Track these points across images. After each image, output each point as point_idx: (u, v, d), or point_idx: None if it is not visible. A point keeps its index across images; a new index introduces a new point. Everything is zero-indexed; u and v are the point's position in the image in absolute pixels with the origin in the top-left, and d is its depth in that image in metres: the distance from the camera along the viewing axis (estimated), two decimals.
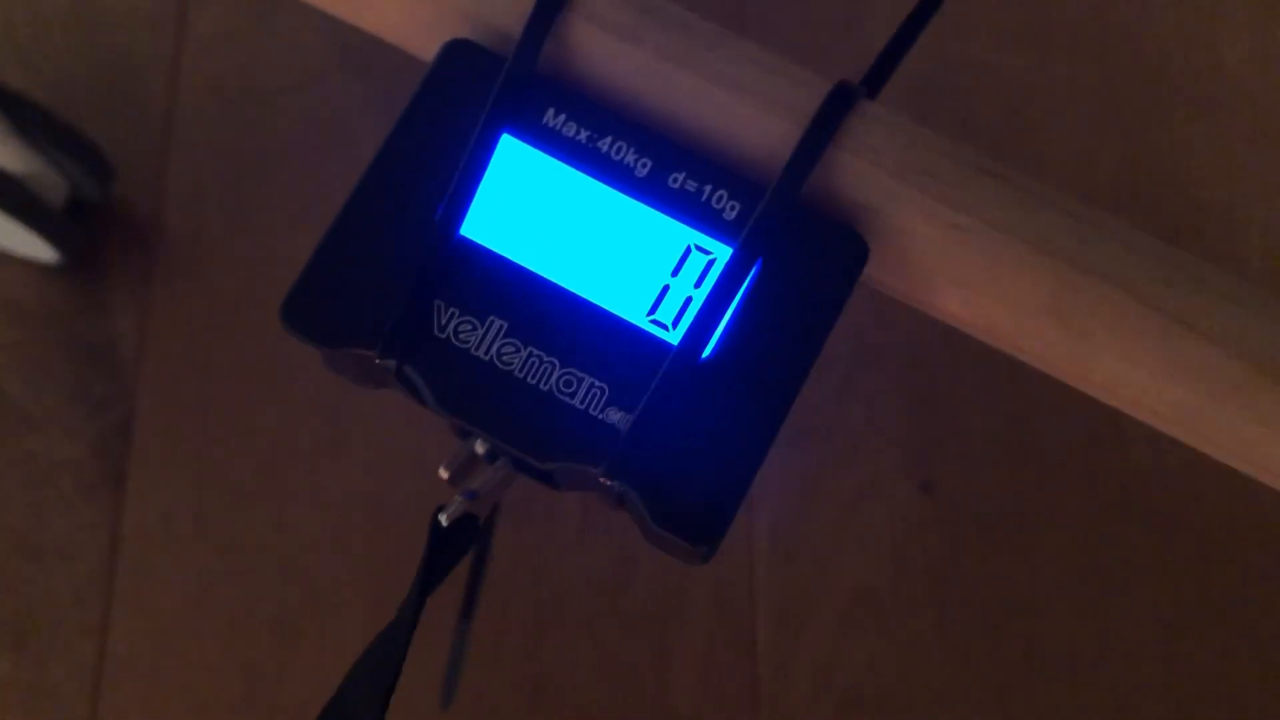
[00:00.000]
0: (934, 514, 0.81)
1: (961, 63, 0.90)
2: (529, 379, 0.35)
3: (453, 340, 0.36)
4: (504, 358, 0.36)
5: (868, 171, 0.37)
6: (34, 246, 0.81)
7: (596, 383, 0.35)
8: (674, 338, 0.36)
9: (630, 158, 0.37)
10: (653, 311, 0.36)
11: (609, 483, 0.35)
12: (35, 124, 0.78)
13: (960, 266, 0.36)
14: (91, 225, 0.85)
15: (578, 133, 0.37)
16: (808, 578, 0.80)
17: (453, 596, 0.79)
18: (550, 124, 0.37)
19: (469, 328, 0.36)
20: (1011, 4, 0.92)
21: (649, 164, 0.37)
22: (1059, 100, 0.91)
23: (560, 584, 0.80)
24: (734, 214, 0.36)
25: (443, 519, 0.36)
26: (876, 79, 0.39)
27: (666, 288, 0.36)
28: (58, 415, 0.82)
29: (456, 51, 0.38)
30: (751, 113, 0.37)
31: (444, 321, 0.36)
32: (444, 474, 0.36)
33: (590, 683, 0.79)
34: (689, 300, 0.36)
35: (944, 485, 0.82)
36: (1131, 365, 0.36)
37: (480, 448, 0.36)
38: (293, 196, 0.87)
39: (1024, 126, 0.90)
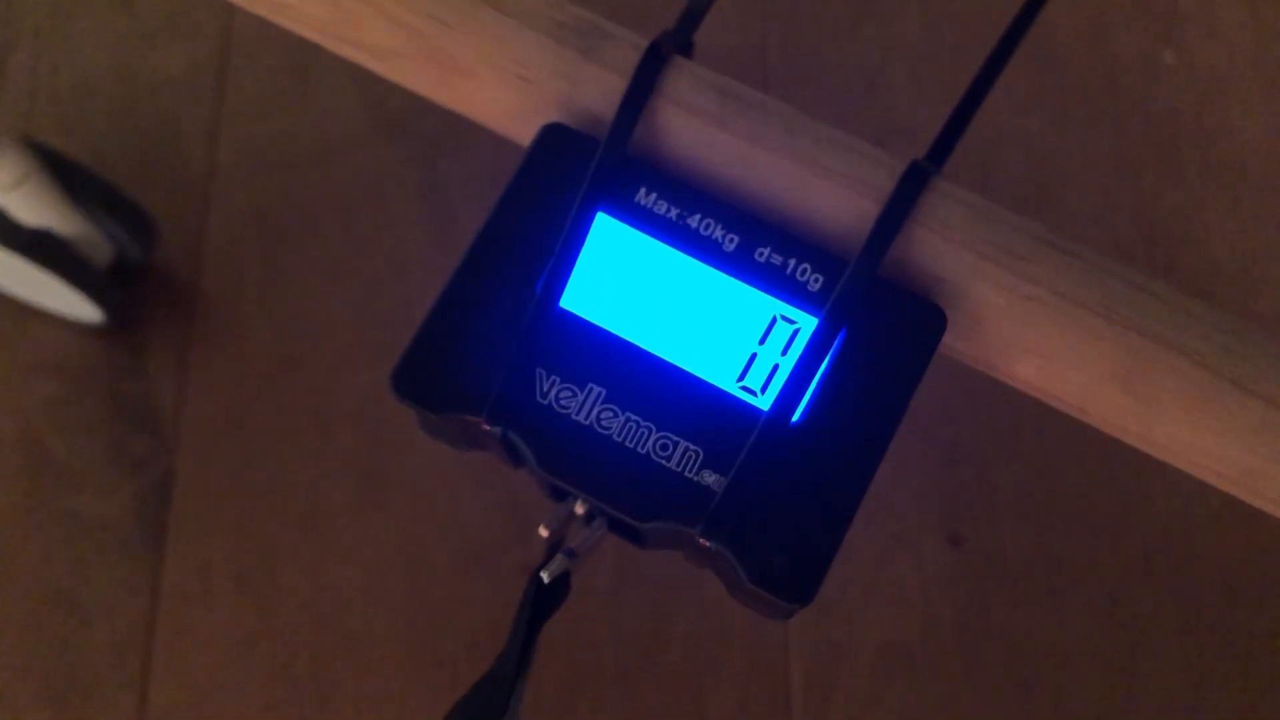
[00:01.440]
0: (963, 568, 0.83)
1: (982, 126, 0.92)
2: (627, 443, 0.37)
3: (554, 406, 0.38)
4: (603, 422, 0.38)
5: (943, 246, 0.39)
6: (79, 306, 0.83)
7: (691, 446, 0.37)
8: (763, 403, 0.38)
9: (718, 233, 0.39)
10: (742, 378, 0.38)
11: (705, 543, 0.36)
12: (86, 189, 0.80)
13: (1032, 335, 0.39)
14: (133, 286, 0.87)
15: (668, 210, 0.39)
16: (840, 632, 0.82)
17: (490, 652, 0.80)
18: (642, 202, 0.39)
19: (569, 394, 0.38)
20: (1030, 71, 0.95)
21: (736, 239, 0.39)
22: (1076, 162, 0.93)
23: (596, 638, 0.82)
24: (817, 286, 0.39)
25: (545, 576, 0.38)
26: (940, 153, 0.41)
27: (754, 355, 0.38)
28: (98, 472, 0.83)
29: (552, 135, 0.40)
30: (831, 191, 0.39)
31: (546, 388, 0.38)
32: (544, 533, 0.38)
33: None
34: (776, 368, 0.38)
35: (972, 539, 0.84)
36: (1194, 428, 0.38)
37: (579, 508, 0.38)
38: (328, 259, 0.89)
39: (1042, 188, 0.92)
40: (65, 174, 0.79)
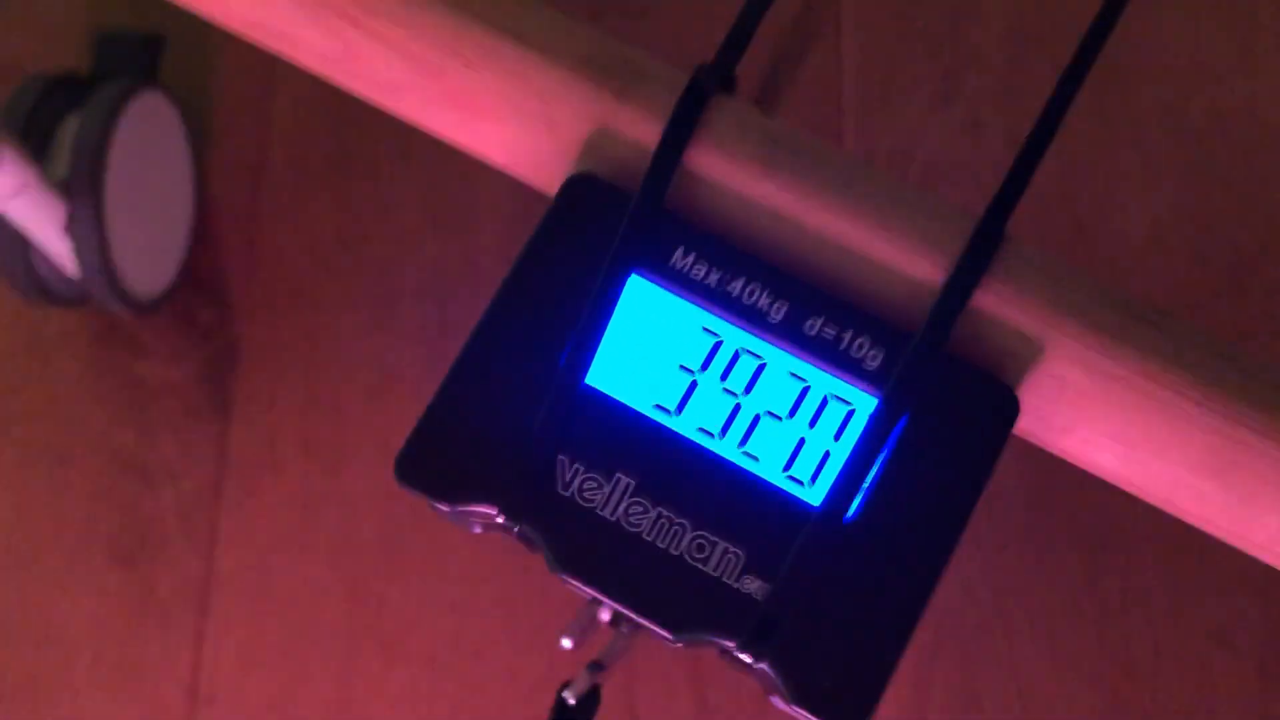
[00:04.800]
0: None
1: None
2: (659, 543, 0.34)
3: (577, 499, 0.34)
4: (632, 519, 0.34)
5: (1017, 316, 0.34)
6: None
7: (731, 548, 0.34)
8: (813, 496, 0.34)
9: (764, 300, 0.35)
10: (789, 467, 0.34)
11: (745, 659, 0.33)
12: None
13: (1115, 420, 0.34)
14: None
15: (708, 273, 0.35)
16: None
17: None
18: (679, 264, 0.35)
19: (594, 485, 0.34)
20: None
21: (784, 307, 0.35)
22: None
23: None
24: (876, 362, 0.34)
25: (569, 697, 0.35)
26: (1001, 210, 0.36)
27: (803, 441, 0.34)
28: (165, 341, 0.82)
29: (579, 187, 0.35)
30: (891, 252, 0.35)
31: (568, 478, 0.34)
32: (567, 644, 0.35)
33: None
34: (827, 455, 0.34)
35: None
36: None
37: (605, 613, 0.35)
38: (395, 139, 0.85)
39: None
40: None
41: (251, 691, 0.77)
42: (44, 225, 0.67)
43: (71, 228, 0.68)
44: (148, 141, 0.77)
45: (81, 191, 0.68)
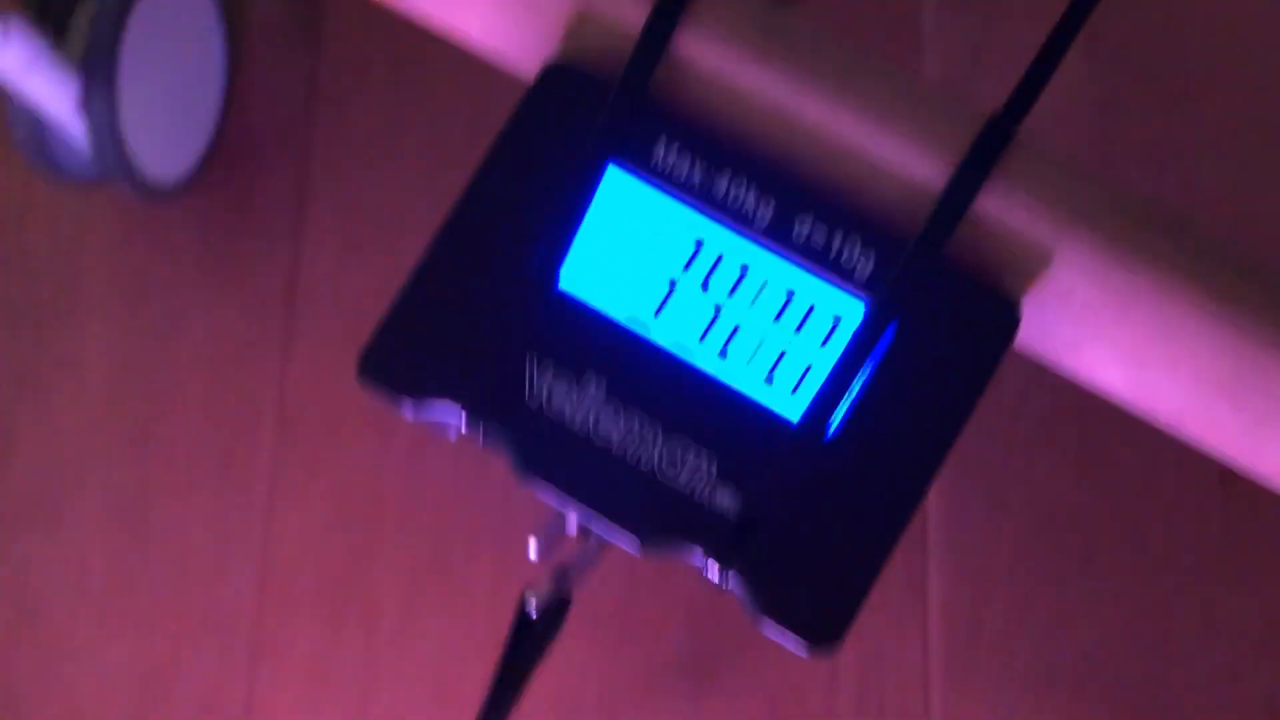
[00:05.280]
0: None
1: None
2: (629, 450, 0.32)
3: (547, 401, 0.32)
4: (601, 425, 0.32)
5: (1023, 222, 0.32)
6: None
7: (703, 460, 0.32)
8: (792, 407, 0.32)
9: (751, 198, 0.33)
10: (769, 378, 0.32)
11: (714, 572, 0.31)
12: None
13: (1124, 334, 0.32)
14: None
15: (692, 167, 0.33)
16: None
17: None
18: (662, 155, 0.33)
19: (563, 389, 0.32)
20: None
21: (771, 205, 0.32)
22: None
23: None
24: (867, 267, 0.32)
25: (531, 608, 0.33)
26: (1018, 109, 0.33)
27: (785, 351, 0.32)
28: None
29: (556, 77, 0.33)
30: (890, 150, 0.32)
31: (536, 381, 0.32)
32: (534, 553, 0.33)
33: None
34: (810, 366, 0.32)
35: None
36: None
37: (573, 523, 0.33)
38: None
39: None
40: None
41: (348, 285, 0.78)
42: (57, 103, 0.65)
43: (84, 106, 0.66)
44: (174, 18, 0.75)
45: (95, 68, 0.65)
